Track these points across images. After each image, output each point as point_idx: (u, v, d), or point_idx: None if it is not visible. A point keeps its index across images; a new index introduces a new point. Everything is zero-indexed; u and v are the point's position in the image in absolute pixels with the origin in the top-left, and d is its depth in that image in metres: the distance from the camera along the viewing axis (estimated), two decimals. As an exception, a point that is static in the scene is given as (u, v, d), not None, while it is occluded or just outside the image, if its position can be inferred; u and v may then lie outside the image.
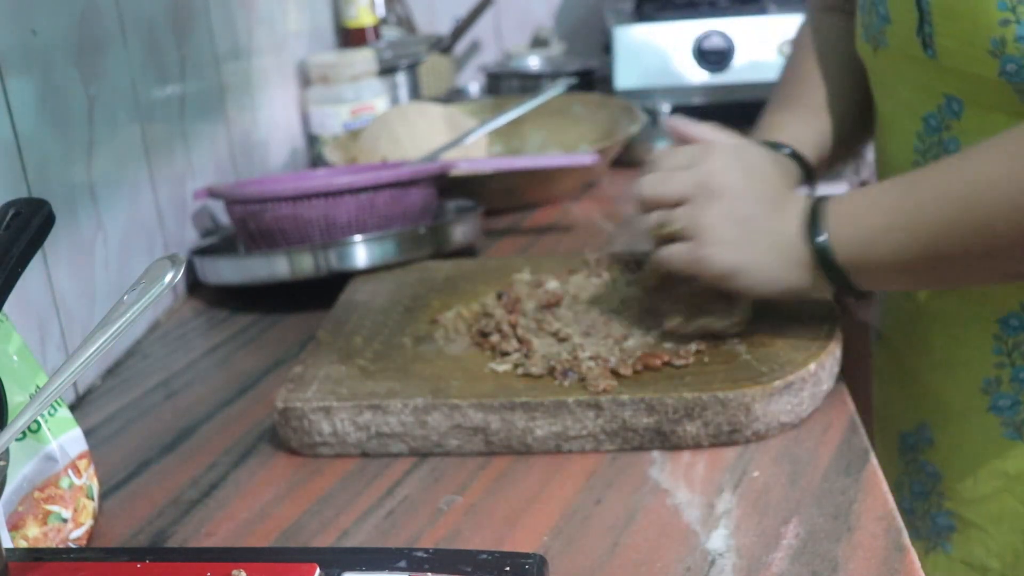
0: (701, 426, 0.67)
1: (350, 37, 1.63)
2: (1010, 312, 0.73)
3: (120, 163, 0.93)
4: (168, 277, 0.47)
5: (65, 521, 0.61)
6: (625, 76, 1.52)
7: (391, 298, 0.88)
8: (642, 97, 1.46)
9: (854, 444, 0.67)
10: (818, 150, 0.85)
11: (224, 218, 1.13)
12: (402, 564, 0.50)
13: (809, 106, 0.88)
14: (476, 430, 0.69)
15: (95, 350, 0.47)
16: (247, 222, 0.99)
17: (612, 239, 1.06)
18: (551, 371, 0.72)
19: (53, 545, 0.61)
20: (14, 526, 0.60)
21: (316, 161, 1.43)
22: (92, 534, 0.64)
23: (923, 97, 0.74)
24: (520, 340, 0.76)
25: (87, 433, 0.68)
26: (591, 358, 0.72)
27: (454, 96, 1.68)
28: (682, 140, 0.80)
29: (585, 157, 1.10)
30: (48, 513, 0.61)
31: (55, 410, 0.63)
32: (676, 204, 0.72)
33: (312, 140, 1.46)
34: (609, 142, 1.22)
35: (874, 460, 0.65)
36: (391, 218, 0.98)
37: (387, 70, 1.54)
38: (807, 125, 0.87)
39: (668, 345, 0.74)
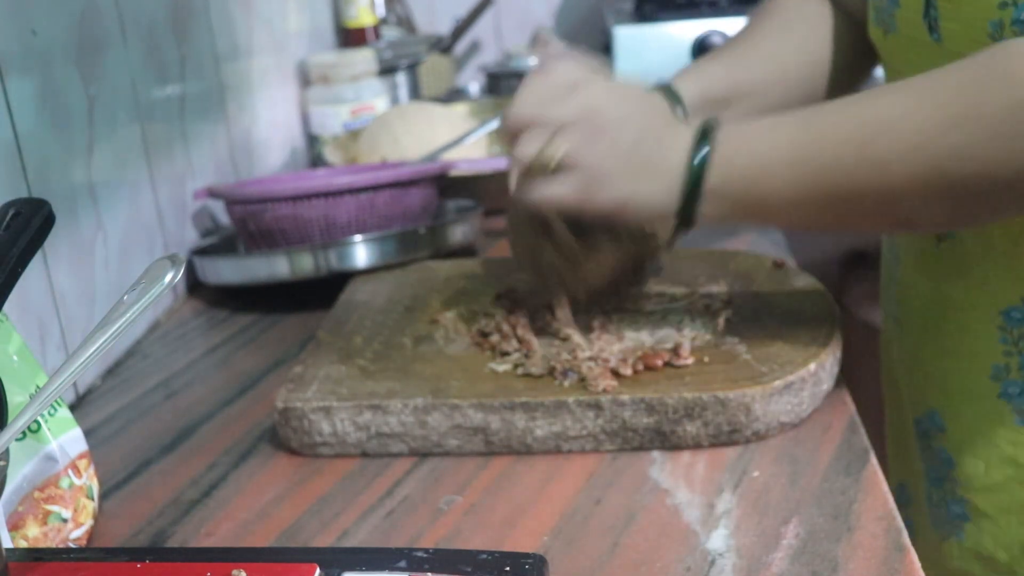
0: (701, 426, 0.67)
1: (350, 37, 1.63)
2: (1011, 305, 0.73)
3: (120, 163, 0.93)
4: (168, 277, 0.47)
5: (65, 521, 0.61)
6: (625, 76, 1.51)
7: (391, 298, 0.88)
8: (642, 97, 1.46)
9: (854, 444, 0.67)
10: (714, 94, 0.85)
11: (224, 218, 1.13)
12: (402, 564, 0.50)
13: (722, 57, 0.90)
14: (476, 430, 0.69)
15: (95, 350, 0.47)
16: (247, 222, 0.99)
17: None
18: (551, 371, 0.72)
19: (53, 545, 0.61)
20: (14, 526, 0.60)
21: (316, 161, 1.43)
22: (92, 534, 0.64)
23: None
24: (520, 340, 0.76)
25: (87, 433, 0.68)
26: (591, 358, 0.72)
27: (454, 96, 1.68)
28: (548, 58, 0.77)
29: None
30: (48, 513, 0.61)
31: (55, 410, 0.63)
32: (552, 131, 0.68)
33: (312, 140, 1.46)
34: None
35: (874, 460, 0.65)
36: (391, 218, 0.98)
37: (387, 70, 1.54)
38: (708, 73, 0.88)
39: (668, 345, 0.74)
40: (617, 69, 1.53)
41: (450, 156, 1.16)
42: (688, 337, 0.75)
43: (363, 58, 1.46)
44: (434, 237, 0.97)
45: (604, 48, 1.61)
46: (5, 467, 0.50)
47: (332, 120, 1.43)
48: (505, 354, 0.75)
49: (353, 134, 1.33)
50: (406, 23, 1.81)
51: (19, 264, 0.53)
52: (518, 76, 1.67)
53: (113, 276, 0.90)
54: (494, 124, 1.22)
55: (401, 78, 1.58)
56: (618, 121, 0.68)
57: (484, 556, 0.51)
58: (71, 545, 0.62)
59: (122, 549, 0.62)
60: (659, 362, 0.71)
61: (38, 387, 0.61)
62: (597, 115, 0.68)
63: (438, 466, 0.69)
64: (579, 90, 0.69)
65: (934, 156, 0.62)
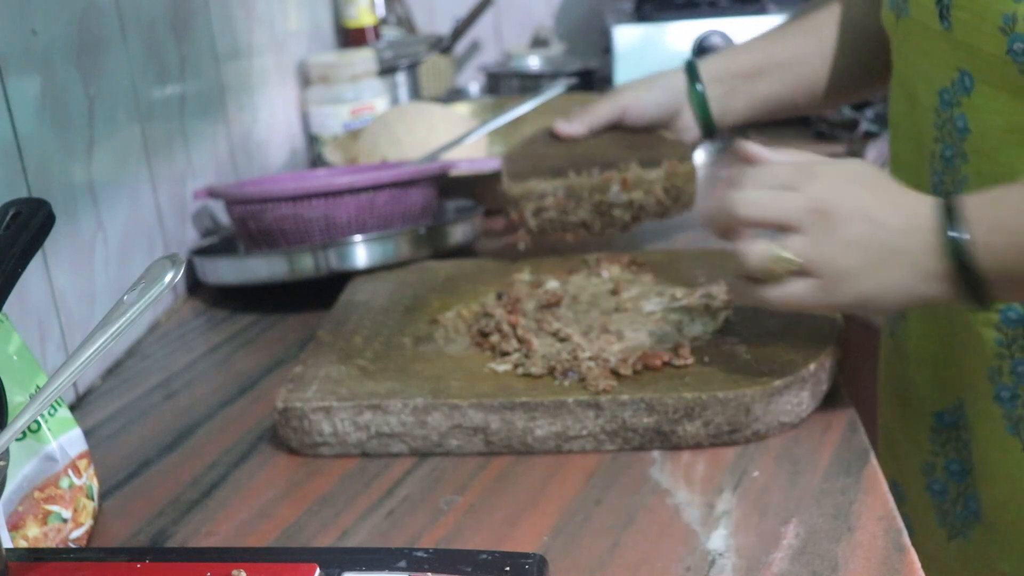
0: (701, 426, 0.67)
1: (350, 37, 1.63)
2: (1008, 306, 0.73)
3: (120, 163, 0.93)
4: (168, 277, 0.47)
5: (65, 521, 0.61)
6: (625, 76, 1.52)
7: (391, 298, 0.88)
8: (642, 97, 1.46)
9: (854, 444, 0.67)
10: (741, 68, 0.90)
11: (224, 218, 1.13)
12: (402, 564, 0.50)
13: (761, 36, 0.94)
14: (476, 430, 0.69)
15: (95, 350, 0.47)
16: (247, 222, 0.99)
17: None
18: (551, 371, 0.72)
19: (53, 545, 0.61)
20: (14, 526, 0.60)
21: (316, 161, 1.43)
22: (92, 534, 0.64)
23: (939, 71, 0.73)
24: (520, 340, 0.76)
25: (87, 433, 0.68)
26: (591, 358, 0.72)
27: (454, 96, 1.68)
28: (751, 162, 0.73)
29: (585, 157, 1.10)
30: (48, 513, 0.61)
31: (55, 410, 0.63)
32: (780, 229, 0.65)
33: (312, 140, 1.46)
34: (609, 142, 1.21)
35: (874, 460, 0.65)
36: (391, 218, 0.98)
37: (387, 70, 1.54)
38: (739, 49, 0.93)
39: (668, 345, 0.74)
40: (617, 69, 1.53)
41: (450, 156, 1.16)
42: (688, 337, 0.75)
43: (363, 58, 1.46)
44: (434, 237, 0.97)
45: (604, 48, 1.61)
46: (5, 467, 0.50)
47: (332, 120, 1.43)
48: (505, 354, 0.75)
49: (353, 134, 1.33)
50: (406, 23, 1.81)
51: (19, 264, 0.53)
52: (518, 76, 1.67)
53: (113, 276, 0.90)
54: (494, 124, 1.22)
55: (401, 78, 1.58)
56: (851, 211, 0.64)
57: (484, 556, 0.51)
58: (71, 545, 0.62)
59: (122, 549, 0.62)
60: (659, 362, 0.71)
61: (38, 387, 0.61)
62: (829, 208, 0.64)
63: (438, 466, 0.69)
64: (805, 182, 0.65)
65: None
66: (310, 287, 0.96)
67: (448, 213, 1.11)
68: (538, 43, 1.81)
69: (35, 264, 0.77)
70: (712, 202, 0.69)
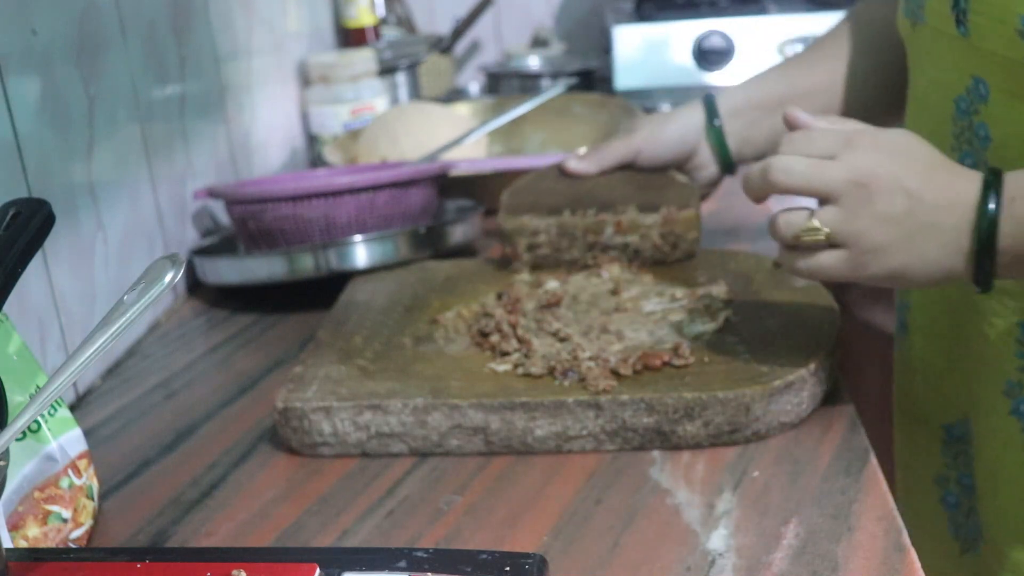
0: (701, 426, 0.67)
1: (350, 37, 1.63)
2: None
3: (120, 163, 0.93)
4: (168, 277, 0.47)
5: (65, 521, 0.61)
6: (625, 76, 1.52)
7: (391, 298, 0.88)
8: (642, 97, 1.46)
9: (854, 444, 0.67)
10: (763, 98, 0.87)
11: (224, 218, 1.13)
12: (402, 564, 0.50)
13: (783, 64, 0.91)
14: (476, 430, 0.69)
15: (95, 350, 0.47)
16: (247, 222, 0.99)
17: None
18: (551, 371, 0.72)
19: (53, 545, 0.61)
20: (14, 526, 0.60)
21: (316, 161, 1.43)
22: (92, 534, 0.64)
23: (954, 78, 0.72)
24: (520, 340, 0.76)
25: (87, 433, 0.68)
26: (591, 358, 0.72)
27: (454, 96, 1.68)
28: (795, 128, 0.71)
29: (585, 157, 1.09)
30: (48, 513, 0.61)
31: (55, 410, 0.63)
32: (820, 199, 0.65)
33: (312, 140, 1.46)
34: (609, 142, 1.21)
35: (874, 460, 0.65)
36: (391, 218, 0.98)
37: (387, 70, 1.54)
38: (760, 79, 0.90)
39: (668, 345, 0.74)
40: (617, 69, 1.53)
41: (450, 156, 1.16)
42: (688, 337, 0.75)
43: (363, 58, 1.46)
44: (434, 237, 0.97)
45: (604, 48, 1.61)
46: (5, 467, 0.50)
47: (332, 120, 1.43)
48: (505, 354, 0.75)
49: (353, 134, 1.33)
50: (406, 23, 1.81)
51: (19, 264, 0.53)
52: (518, 76, 1.67)
53: (113, 276, 0.90)
54: (494, 124, 1.22)
55: (401, 78, 1.58)
56: (889, 184, 0.63)
57: (484, 556, 0.51)
58: (71, 545, 0.62)
59: (122, 549, 0.62)
60: (659, 362, 0.71)
61: (38, 387, 0.61)
62: (866, 180, 0.63)
63: (438, 466, 0.69)
64: (845, 152, 0.64)
65: None
66: (310, 287, 0.96)
67: (448, 213, 1.11)
68: (538, 43, 1.82)
69: (35, 264, 0.77)
70: (751, 168, 0.68)
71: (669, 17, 1.55)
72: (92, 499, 0.65)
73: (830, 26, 0.93)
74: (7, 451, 0.49)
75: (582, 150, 0.97)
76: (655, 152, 0.92)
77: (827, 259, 0.65)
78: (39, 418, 0.61)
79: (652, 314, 0.79)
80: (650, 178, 0.93)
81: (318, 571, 0.49)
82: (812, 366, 0.69)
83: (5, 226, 0.54)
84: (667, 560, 0.57)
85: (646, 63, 1.51)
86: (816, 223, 0.64)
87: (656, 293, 0.83)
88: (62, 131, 0.82)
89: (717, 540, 0.59)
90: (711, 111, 0.91)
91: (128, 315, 0.47)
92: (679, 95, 1.45)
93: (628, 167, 0.94)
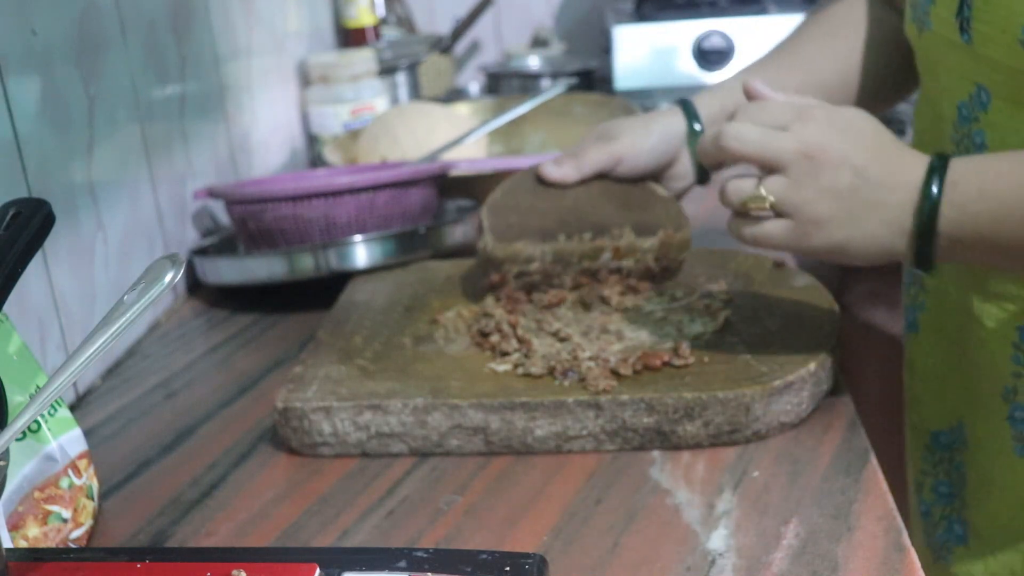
0: (701, 426, 0.67)
1: (350, 37, 1.63)
2: None
3: (120, 163, 0.93)
4: (168, 277, 0.47)
5: (65, 521, 0.61)
6: (625, 76, 1.52)
7: (391, 298, 0.88)
8: (642, 97, 1.46)
9: (854, 444, 0.67)
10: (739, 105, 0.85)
11: (224, 218, 1.13)
12: (402, 564, 0.50)
13: (757, 66, 0.89)
14: (476, 430, 0.69)
15: (95, 350, 0.47)
16: (247, 222, 0.99)
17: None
18: (551, 371, 0.72)
19: (53, 545, 0.61)
20: (14, 526, 0.60)
21: (316, 161, 1.43)
22: (92, 534, 0.64)
23: (958, 85, 0.72)
24: (520, 340, 0.76)
25: (87, 433, 0.68)
26: (591, 358, 0.72)
27: (454, 96, 1.68)
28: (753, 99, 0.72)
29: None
30: (48, 513, 0.61)
31: (55, 410, 0.63)
32: (769, 168, 0.66)
33: (312, 140, 1.46)
34: (609, 142, 1.21)
35: (874, 460, 0.65)
36: (391, 218, 0.98)
37: (387, 70, 1.54)
38: (734, 84, 0.86)
39: (668, 345, 0.74)
40: (617, 69, 1.53)
41: (450, 156, 1.16)
42: (688, 337, 0.75)
43: (363, 58, 1.46)
44: (434, 237, 0.97)
45: (604, 48, 1.61)
46: (5, 467, 0.50)
47: (332, 120, 1.43)
48: (505, 354, 0.75)
49: (353, 134, 1.33)
50: (406, 23, 1.81)
51: (19, 264, 0.53)
52: (518, 76, 1.67)
53: (113, 276, 0.90)
54: (494, 124, 1.22)
55: (401, 78, 1.58)
56: (837, 159, 0.64)
57: (484, 556, 0.51)
58: (71, 545, 0.62)
59: (122, 549, 0.62)
60: (659, 362, 0.71)
61: (38, 387, 0.61)
62: (815, 152, 0.64)
63: (438, 466, 0.69)
64: (797, 124, 0.65)
65: None
66: (310, 287, 0.96)
67: (448, 213, 1.11)
68: (538, 43, 1.82)
69: (35, 264, 0.77)
70: (706, 133, 0.69)
71: (669, 17, 1.55)
72: (92, 499, 0.65)
73: (799, 23, 0.92)
74: (7, 451, 0.49)
75: (556, 154, 0.92)
76: (637, 162, 0.88)
77: (772, 228, 0.66)
78: (39, 418, 0.61)
79: (652, 314, 0.79)
80: (630, 191, 0.88)
81: (318, 571, 0.49)
82: (812, 366, 0.69)
83: (5, 226, 0.54)
84: (667, 560, 0.57)
85: (646, 63, 1.51)
86: (762, 191, 0.65)
87: (656, 293, 0.83)
88: (62, 131, 0.82)
89: (717, 540, 0.59)
90: (691, 117, 0.88)
91: (128, 315, 0.47)
92: (679, 95, 1.43)
93: (603, 176, 0.89)
